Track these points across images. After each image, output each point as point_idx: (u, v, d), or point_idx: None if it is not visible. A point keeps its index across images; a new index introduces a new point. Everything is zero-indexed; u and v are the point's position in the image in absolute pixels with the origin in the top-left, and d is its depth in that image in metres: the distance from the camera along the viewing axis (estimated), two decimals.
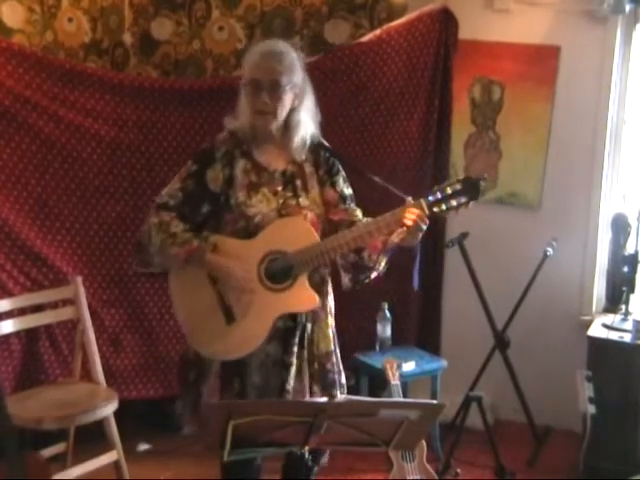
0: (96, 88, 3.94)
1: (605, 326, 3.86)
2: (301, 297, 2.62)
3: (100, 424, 3.52)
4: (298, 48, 2.78)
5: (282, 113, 2.66)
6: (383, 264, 2.70)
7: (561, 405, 4.13)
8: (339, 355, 2.84)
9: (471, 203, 2.57)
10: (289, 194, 2.68)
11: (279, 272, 2.61)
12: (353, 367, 4.04)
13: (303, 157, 2.72)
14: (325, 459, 2.85)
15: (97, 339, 3.79)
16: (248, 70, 2.66)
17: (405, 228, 2.55)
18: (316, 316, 2.73)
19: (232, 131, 2.73)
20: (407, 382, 4.02)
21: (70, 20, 4.77)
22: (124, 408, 3.65)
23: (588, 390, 3.59)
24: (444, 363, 4.05)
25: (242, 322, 2.63)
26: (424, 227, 2.55)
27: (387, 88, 4.27)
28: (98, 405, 3.47)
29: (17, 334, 3.74)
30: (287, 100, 2.65)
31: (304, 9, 4.45)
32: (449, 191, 2.56)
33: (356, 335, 4.30)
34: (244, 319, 2.63)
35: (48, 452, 3.57)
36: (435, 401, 3.57)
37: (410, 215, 2.54)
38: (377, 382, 3.98)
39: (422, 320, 4.47)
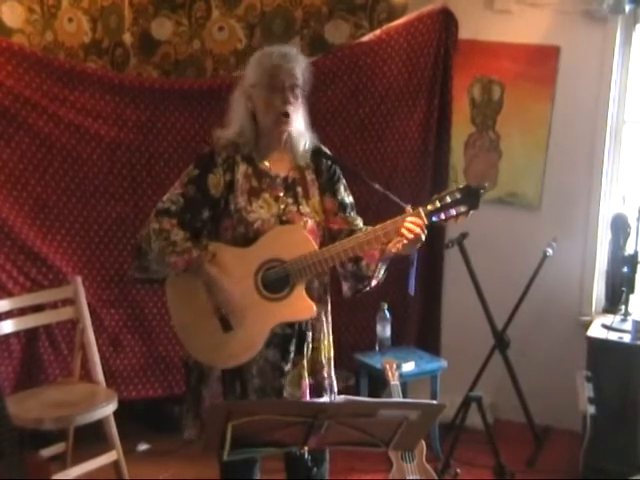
0: (96, 88, 3.94)
1: (605, 326, 3.85)
2: (298, 306, 2.61)
3: (100, 424, 3.52)
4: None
5: (297, 116, 2.64)
6: (382, 272, 2.69)
7: (561, 405, 4.13)
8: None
9: (471, 212, 2.54)
10: (290, 200, 2.66)
11: (276, 281, 2.59)
12: (353, 367, 4.05)
13: (308, 161, 2.69)
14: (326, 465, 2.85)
15: (97, 339, 3.80)
16: (264, 73, 2.60)
17: (404, 237, 2.53)
18: (317, 323, 2.71)
19: (230, 140, 2.67)
20: (407, 382, 4.01)
21: (70, 20, 4.76)
22: (124, 408, 3.66)
23: (588, 390, 3.59)
24: (444, 363, 4.04)
25: (238, 331, 2.61)
26: (422, 238, 2.53)
27: (387, 88, 4.27)
28: (98, 405, 3.47)
29: (17, 334, 3.75)
30: (301, 102, 2.64)
31: (304, 9, 4.45)
32: (448, 200, 2.53)
33: (356, 335, 4.31)
34: (240, 328, 2.61)
35: (48, 452, 3.58)
36: (435, 401, 3.57)
37: (409, 225, 2.52)
38: (377, 382, 3.98)
39: (422, 320, 4.47)
